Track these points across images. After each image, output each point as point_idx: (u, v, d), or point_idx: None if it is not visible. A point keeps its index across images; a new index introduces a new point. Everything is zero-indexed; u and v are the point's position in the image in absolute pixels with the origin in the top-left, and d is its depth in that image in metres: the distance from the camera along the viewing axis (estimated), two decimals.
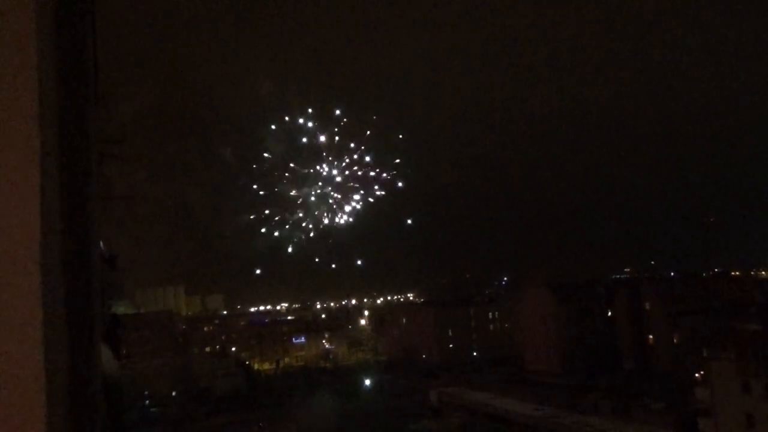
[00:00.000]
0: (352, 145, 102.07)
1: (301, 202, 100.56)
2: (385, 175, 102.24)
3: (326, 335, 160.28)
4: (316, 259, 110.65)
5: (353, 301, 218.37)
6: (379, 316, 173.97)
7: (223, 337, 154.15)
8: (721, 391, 59.81)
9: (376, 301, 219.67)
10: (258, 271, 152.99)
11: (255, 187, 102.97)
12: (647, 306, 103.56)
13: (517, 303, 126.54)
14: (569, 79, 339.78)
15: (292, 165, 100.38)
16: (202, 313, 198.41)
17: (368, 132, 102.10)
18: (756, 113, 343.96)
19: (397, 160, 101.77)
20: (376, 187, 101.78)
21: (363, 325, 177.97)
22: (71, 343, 2.63)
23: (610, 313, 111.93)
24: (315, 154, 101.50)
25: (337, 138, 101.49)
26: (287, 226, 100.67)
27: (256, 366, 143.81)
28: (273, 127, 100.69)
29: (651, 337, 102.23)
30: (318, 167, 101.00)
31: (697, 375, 73.21)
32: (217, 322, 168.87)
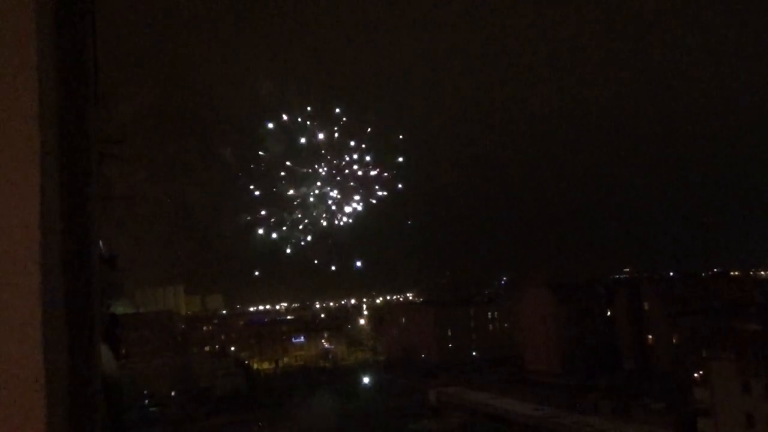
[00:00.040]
0: (352, 143, 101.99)
1: (300, 203, 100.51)
2: (386, 174, 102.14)
3: (326, 335, 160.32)
4: (315, 261, 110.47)
5: (352, 301, 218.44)
6: (378, 316, 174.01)
7: (222, 337, 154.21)
8: (721, 391, 59.83)
9: (375, 301, 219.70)
10: (257, 273, 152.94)
11: (252, 187, 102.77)
12: (647, 306, 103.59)
13: (517, 303, 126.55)
14: (569, 79, 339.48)
15: (291, 165, 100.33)
16: (202, 312, 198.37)
17: (368, 131, 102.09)
18: (756, 113, 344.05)
19: (400, 159, 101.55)
20: (377, 187, 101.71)
21: (362, 325, 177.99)
22: (71, 343, 2.63)
23: (609, 313, 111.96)
24: (314, 154, 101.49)
25: (336, 137, 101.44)
26: (284, 228, 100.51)
27: (255, 366, 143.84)
28: (272, 126, 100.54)
29: (651, 337, 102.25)
30: (317, 167, 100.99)
31: (696, 375, 73.22)
32: (216, 321, 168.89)
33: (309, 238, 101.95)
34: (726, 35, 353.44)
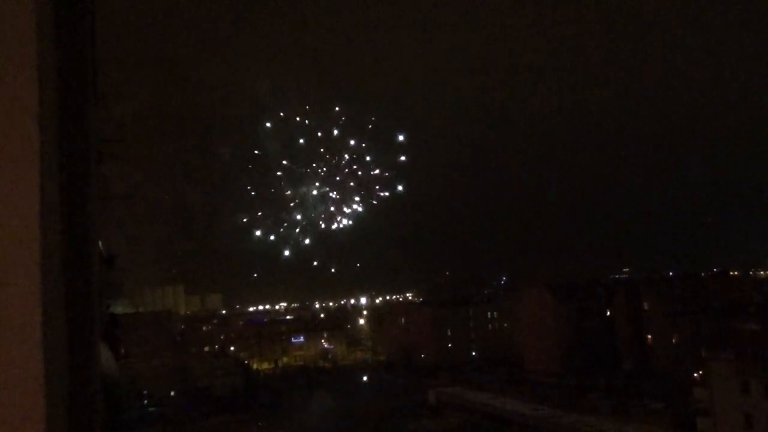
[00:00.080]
0: (352, 142, 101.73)
1: (299, 203, 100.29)
2: (386, 174, 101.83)
3: (325, 335, 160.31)
4: (315, 263, 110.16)
5: (352, 301, 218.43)
6: (377, 316, 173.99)
7: (222, 337, 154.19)
8: (720, 391, 59.83)
9: (374, 301, 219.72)
10: (255, 275, 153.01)
11: (248, 188, 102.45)
12: (646, 306, 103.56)
13: (517, 303, 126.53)
14: (569, 79, 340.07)
15: (289, 165, 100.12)
16: (201, 312, 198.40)
17: (368, 129, 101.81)
18: (756, 113, 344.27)
19: (403, 158, 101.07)
20: (377, 188, 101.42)
21: (362, 325, 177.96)
22: (71, 343, 2.63)
23: (609, 313, 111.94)
24: (313, 154, 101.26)
25: (336, 137, 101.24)
26: (281, 230, 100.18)
27: (255, 365, 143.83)
28: (271, 126, 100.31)
29: (650, 337, 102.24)
30: (316, 167, 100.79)
31: (696, 375, 73.29)
32: (215, 321, 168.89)
33: (307, 242, 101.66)
34: (726, 35, 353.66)
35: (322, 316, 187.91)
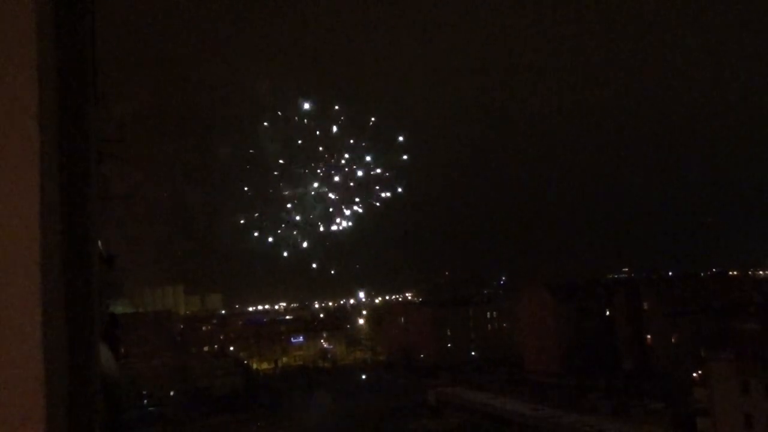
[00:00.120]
0: (352, 141, 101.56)
1: (298, 204, 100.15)
2: (386, 174, 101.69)
3: (325, 335, 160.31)
4: (314, 265, 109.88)
5: (351, 301, 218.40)
6: (377, 316, 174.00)
7: (221, 337, 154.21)
8: (720, 391, 59.85)
9: (374, 301, 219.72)
10: (256, 274, 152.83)
11: (246, 189, 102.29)
12: (646, 306, 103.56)
13: (516, 303, 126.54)
14: (569, 79, 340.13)
15: (289, 165, 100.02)
16: (201, 312, 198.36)
17: (368, 129, 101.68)
18: (756, 113, 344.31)
19: (404, 157, 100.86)
20: (377, 188, 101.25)
21: (361, 325, 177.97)
22: (71, 343, 2.63)
23: (609, 313, 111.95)
24: (313, 154, 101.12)
25: (335, 137, 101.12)
26: (279, 231, 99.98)
27: (254, 365, 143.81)
28: (270, 126, 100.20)
29: (650, 337, 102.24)
30: (315, 167, 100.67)
31: (695, 375, 73.31)
32: (215, 321, 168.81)
33: (306, 245, 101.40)
34: (726, 35, 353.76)
35: (321, 316, 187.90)
